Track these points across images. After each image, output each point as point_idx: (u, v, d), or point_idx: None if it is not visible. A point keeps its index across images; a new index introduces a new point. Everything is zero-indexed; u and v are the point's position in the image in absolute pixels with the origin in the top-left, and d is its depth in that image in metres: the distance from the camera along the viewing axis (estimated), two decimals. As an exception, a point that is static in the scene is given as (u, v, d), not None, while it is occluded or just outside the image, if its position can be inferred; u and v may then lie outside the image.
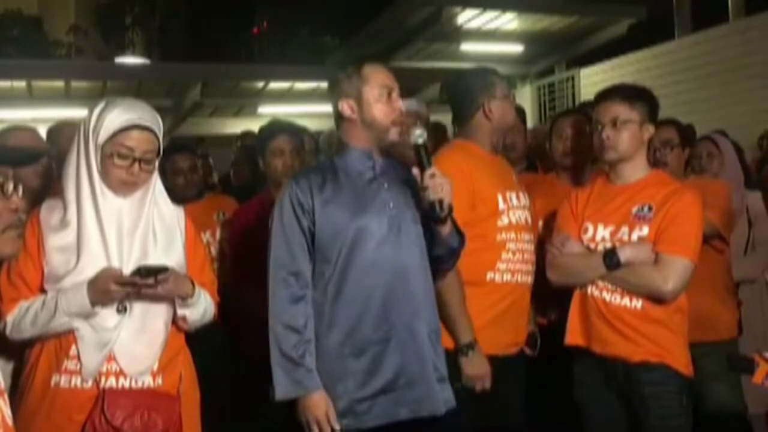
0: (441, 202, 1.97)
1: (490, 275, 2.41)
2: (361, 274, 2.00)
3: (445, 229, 2.05)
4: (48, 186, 2.46)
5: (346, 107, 2.08)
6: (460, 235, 2.14)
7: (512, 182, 2.57)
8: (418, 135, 2.03)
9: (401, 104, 2.10)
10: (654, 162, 2.94)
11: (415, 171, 2.01)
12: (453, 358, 2.28)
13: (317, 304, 2.02)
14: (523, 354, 2.58)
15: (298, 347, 1.95)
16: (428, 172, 1.98)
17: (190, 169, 3.45)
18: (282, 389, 1.96)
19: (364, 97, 2.06)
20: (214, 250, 3.33)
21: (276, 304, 2.00)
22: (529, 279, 2.51)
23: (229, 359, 3.10)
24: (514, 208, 2.48)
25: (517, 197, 2.52)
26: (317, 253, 2.02)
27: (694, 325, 2.80)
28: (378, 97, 2.06)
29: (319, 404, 1.95)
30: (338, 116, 2.12)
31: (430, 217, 2.02)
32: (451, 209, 2.01)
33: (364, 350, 1.99)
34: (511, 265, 2.44)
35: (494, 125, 2.51)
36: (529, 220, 2.54)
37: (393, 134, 2.08)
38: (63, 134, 2.83)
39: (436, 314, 2.13)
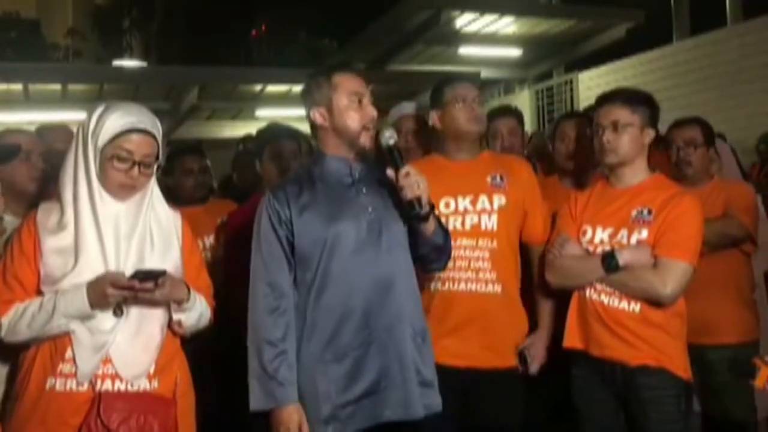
0: (419, 199, 1.98)
1: (426, 285, 2.41)
2: (341, 279, 2.00)
3: (429, 227, 2.06)
4: (44, 188, 2.45)
5: (318, 115, 2.08)
6: (445, 231, 2.15)
7: (472, 187, 2.52)
8: (388, 137, 2.05)
9: (372, 110, 2.09)
10: (677, 161, 2.95)
11: (390, 172, 2.01)
12: None
13: (300, 310, 2.02)
14: (512, 371, 2.53)
15: (273, 360, 1.95)
16: (402, 171, 1.99)
17: (200, 170, 3.45)
18: (255, 401, 1.98)
19: (334, 105, 2.06)
20: (217, 256, 3.31)
21: (253, 316, 2.01)
22: (480, 287, 2.46)
23: (218, 361, 3.08)
24: (458, 213, 2.48)
25: (473, 202, 2.50)
26: (298, 261, 2.03)
27: (720, 327, 2.83)
28: (348, 104, 2.06)
29: (291, 417, 1.95)
30: (312, 124, 2.12)
31: (411, 216, 2.03)
32: (432, 206, 2.02)
33: (345, 355, 1.99)
34: (443, 274, 2.41)
35: (447, 132, 2.56)
36: (488, 226, 2.49)
37: (365, 139, 2.08)
38: (47, 137, 2.81)
39: (422, 316, 2.13)
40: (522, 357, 2.53)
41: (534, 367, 2.52)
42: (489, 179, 2.55)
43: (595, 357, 2.33)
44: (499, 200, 2.52)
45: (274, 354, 1.96)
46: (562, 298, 2.50)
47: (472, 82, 2.67)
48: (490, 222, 2.50)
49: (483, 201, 2.51)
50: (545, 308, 2.59)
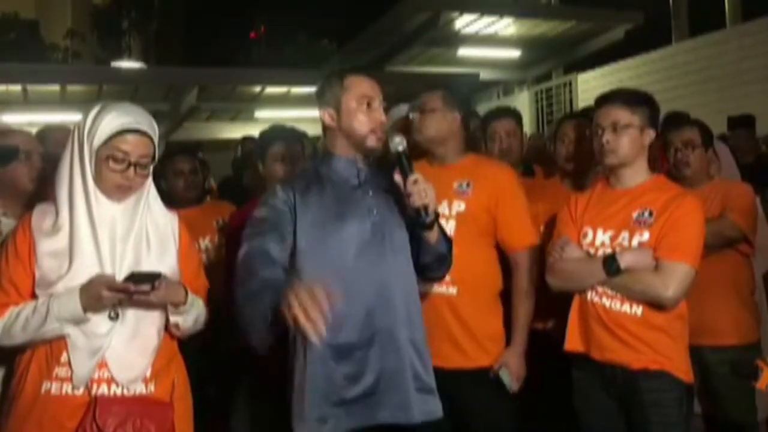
0: (426, 207, 1.97)
1: None
2: (343, 279, 1.96)
3: (433, 236, 2.05)
4: (42, 189, 2.44)
5: (327, 116, 2.08)
6: (448, 241, 2.13)
7: (437, 192, 2.53)
8: (398, 142, 2.03)
9: (381, 114, 2.09)
10: (675, 163, 2.94)
11: (398, 178, 2.00)
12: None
13: None
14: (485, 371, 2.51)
15: (262, 282, 1.84)
16: (411, 178, 1.98)
17: (191, 171, 3.45)
18: (256, 338, 1.83)
19: (343, 107, 2.06)
20: (213, 257, 3.31)
21: (237, 276, 1.92)
22: (434, 288, 2.48)
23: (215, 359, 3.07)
24: None
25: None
26: (300, 258, 2.00)
27: (718, 329, 2.83)
28: (356, 106, 2.05)
29: (297, 288, 1.74)
30: (322, 124, 2.13)
31: (416, 223, 2.02)
32: (437, 215, 2.02)
33: (347, 355, 1.97)
34: None
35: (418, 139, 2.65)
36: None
37: (371, 141, 2.07)
38: (49, 139, 2.80)
39: (421, 322, 2.10)
40: (497, 379, 2.48)
41: (515, 386, 2.49)
42: (455, 185, 2.58)
43: (596, 360, 2.32)
44: (458, 206, 2.55)
45: (260, 278, 1.86)
46: (542, 307, 2.54)
47: (433, 93, 2.66)
48: (447, 227, 2.49)
49: (444, 206, 2.54)
50: (519, 320, 2.56)
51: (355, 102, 2.05)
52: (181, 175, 3.41)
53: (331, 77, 2.10)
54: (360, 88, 2.07)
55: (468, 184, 2.58)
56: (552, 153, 3.13)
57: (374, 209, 2.04)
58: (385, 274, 2.01)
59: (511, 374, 2.49)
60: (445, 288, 2.50)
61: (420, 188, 1.96)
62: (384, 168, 2.17)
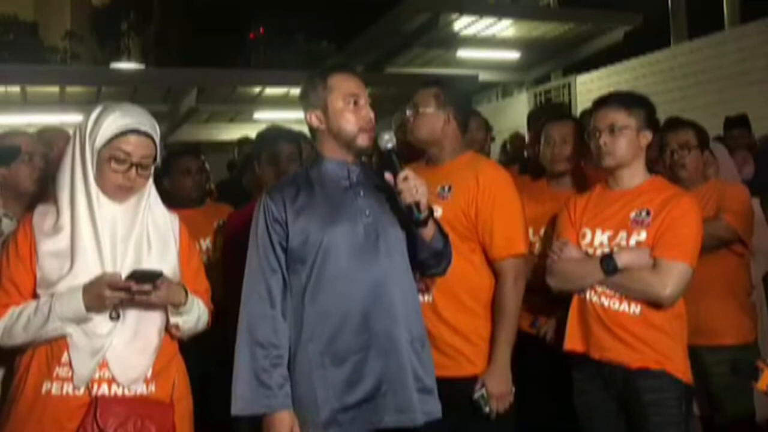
0: (418, 204, 1.95)
1: None
2: (336, 283, 1.97)
3: (428, 232, 2.03)
4: (44, 190, 2.45)
5: (314, 118, 2.06)
6: (445, 236, 2.11)
7: None
8: (387, 140, 2.03)
9: (369, 111, 2.06)
10: (671, 164, 2.95)
11: (388, 176, 1.99)
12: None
13: (295, 315, 1.99)
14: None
15: (267, 365, 1.93)
16: (401, 175, 1.96)
17: (198, 170, 3.48)
18: (243, 405, 1.93)
19: (330, 107, 2.03)
20: (214, 258, 3.31)
21: (248, 318, 1.98)
22: None
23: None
24: None
25: None
26: (294, 263, 2.00)
27: (714, 329, 2.84)
28: (343, 106, 2.03)
29: (283, 423, 1.92)
30: (309, 127, 2.11)
31: (410, 221, 2.00)
32: (430, 211, 2.00)
33: (345, 359, 1.96)
34: None
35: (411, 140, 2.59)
36: None
37: (362, 140, 2.04)
38: (42, 140, 2.81)
39: (421, 321, 2.09)
40: (478, 402, 2.34)
41: (493, 406, 2.34)
42: (438, 189, 2.44)
43: (596, 360, 2.33)
44: (437, 211, 2.38)
45: (268, 358, 1.94)
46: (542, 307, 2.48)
47: (426, 90, 2.55)
48: None
49: None
50: (499, 337, 2.38)
51: (341, 101, 2.03)
52: (189, 173, 3.43)
53: (314, 78, 2.07)
54: (345, 87, 2.04)
55: (449, 188, 2.42)
56: (536, 154, 3.12)
57: (366, 210, 2.03)
58: (381, 275, 1.99)
59: (490, 397, 2.34)
60: (421, 297, 2.35)
61: (410, 185, 1.94)
62: (379, 167, 2.15)
